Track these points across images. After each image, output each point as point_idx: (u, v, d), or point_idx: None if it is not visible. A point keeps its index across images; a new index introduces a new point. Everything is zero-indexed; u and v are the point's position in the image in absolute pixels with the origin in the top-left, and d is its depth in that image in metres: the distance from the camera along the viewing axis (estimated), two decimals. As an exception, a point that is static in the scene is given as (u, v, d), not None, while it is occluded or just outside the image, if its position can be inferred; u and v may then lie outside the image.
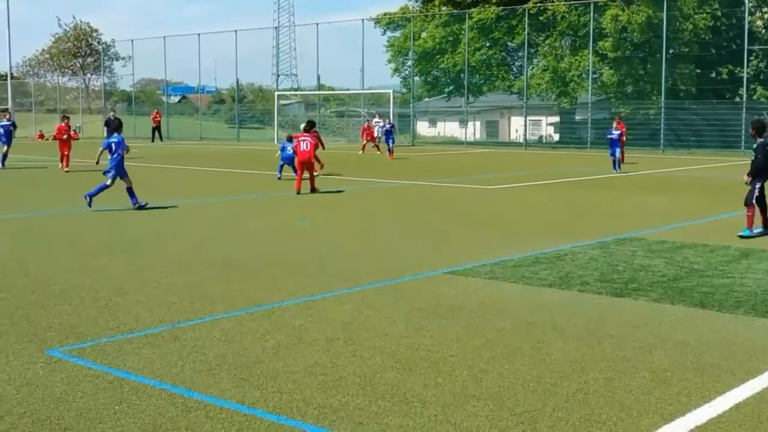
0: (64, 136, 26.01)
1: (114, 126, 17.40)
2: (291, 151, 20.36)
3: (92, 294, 8.34)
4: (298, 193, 18.18)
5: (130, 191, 15.28)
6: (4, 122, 28.20)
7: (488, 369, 5.96)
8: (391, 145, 33.99)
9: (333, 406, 5.20)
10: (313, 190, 18.48)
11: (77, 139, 56.86)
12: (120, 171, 15.27)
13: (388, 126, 35.37)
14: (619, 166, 24.97)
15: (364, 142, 38.43)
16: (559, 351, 6.42)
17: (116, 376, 5.76)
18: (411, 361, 6.13)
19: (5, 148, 27.80)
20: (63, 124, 26.49)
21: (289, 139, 20.98)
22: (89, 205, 15.03)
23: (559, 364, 6.08)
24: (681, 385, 5.63)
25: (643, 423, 4.95)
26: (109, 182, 15.31)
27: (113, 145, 15.46)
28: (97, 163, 16.84)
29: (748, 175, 12.49)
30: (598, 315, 7.55)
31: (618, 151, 24.95)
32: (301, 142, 18.61)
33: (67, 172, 24.93)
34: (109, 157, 15.41)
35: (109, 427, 4.83)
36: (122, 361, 6.11)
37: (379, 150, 36.35)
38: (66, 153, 25.71)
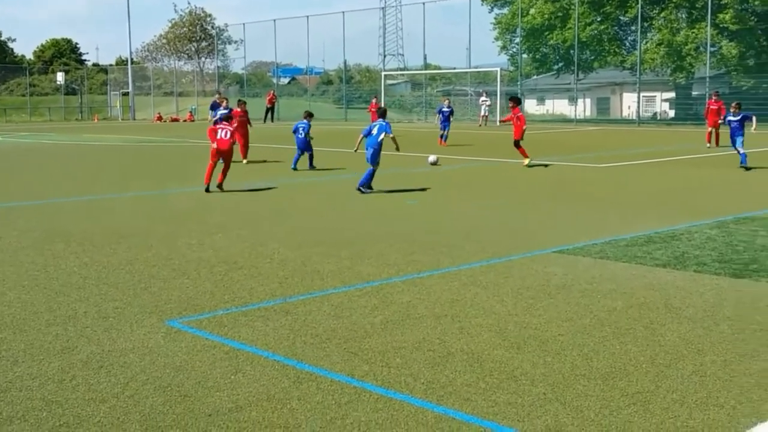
0: (235, 124, 20.78)
1: (380, 113, 15.69)
2: (302, 135, 19.42)
3: (209, 268, 8.64)
4: (207, 189, 15.32)
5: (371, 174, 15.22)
6: (221, 110, 22.37)
7: (599, 349, 5.86)
8: (446, 131, 28.55)
9: (441, 381, 5.23)
10: (221, 185, 15.46)
11: (193, 120, 58.91)
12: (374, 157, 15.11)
13: (447, 110, 28.95)
14: (746, 160, 18.71)
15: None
16: (673, 332, 6.25)
17: (232, 347, 5.96)
18: (519, 339, 6.09)
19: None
20: (239, 108, 22.02)
21: (309, 116, 19.87)
22: (364, 191, 14.99)
23: (673, 346, 5.92)
24: (805, 370, 5.39)
25: (764, 408, 4.77)
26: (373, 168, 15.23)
27: (376, 129, 15.12)
28: (356, 150, 16.53)
29: None
30: (716, 296, 7.30)
31: (742, 140, 18.88)
32: (220, 130, 15.71)
33: (247, 162, 21.54)
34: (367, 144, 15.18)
35: (226, 396, 5.00)
36: (237, 332, 6.31)
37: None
38: (242, 142, 21.44)
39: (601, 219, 11.86)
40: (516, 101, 20.71)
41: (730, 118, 19.34)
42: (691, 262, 8.64)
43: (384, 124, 15.33)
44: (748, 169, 18.33)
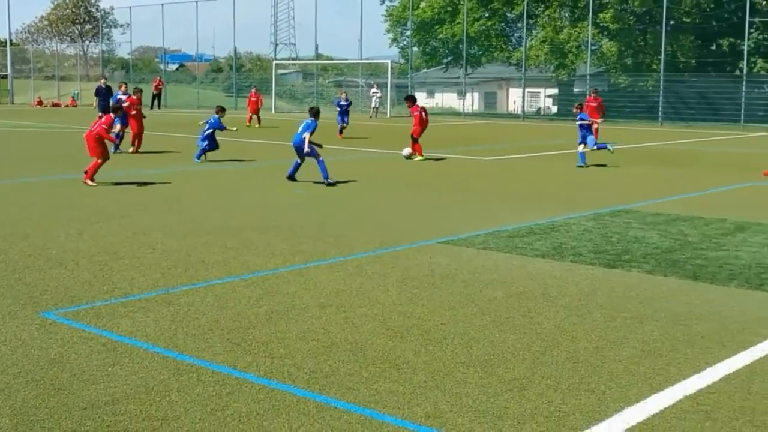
0: (133, 112, 20.64)
1: (312, 111, 15.10)
2: (206, 127, 18.57)
3: (88, 258, 8.37)
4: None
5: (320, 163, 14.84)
6: (120, 95, 21.76)
7: (479, 337, 6.01)
8: (344, 124, 27.69)
9: (324, 371, 5.24)
10: (87, 176, 14.32)
11: (75, 106, 56.78)
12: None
13: (345, 103, 28.44)
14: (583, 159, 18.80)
15: (250, 114, 34.15)
16: (549, 320, 6.47)
17: (110, 338, 5.80)
18: (402, 329, 6.18)
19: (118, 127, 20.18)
20: (135, 96, 21.29)
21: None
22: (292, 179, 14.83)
23: (549, 333, 6.13)
24: (671, 356, 5.67)
25: (632, 392, 4.99)
26: (300, 161, 14.95)
27: (301, 127, 14.83)
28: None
29: None
30: (590, 286, 7.59)
31: (591, 137, 19.06)
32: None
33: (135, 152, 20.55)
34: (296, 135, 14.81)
35: (102, 389, 4.87)
36: (116, 324, 6.15)
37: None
38: (138, 131, 20.72)
39: (486, 211, 12.13)
40: (412, 100, 20.23)
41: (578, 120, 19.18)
42: (569, 253, 8.96)
43: (310, 121, 14.88)
44: (600, 165, 18.73)
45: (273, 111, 48.94)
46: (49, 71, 69.49)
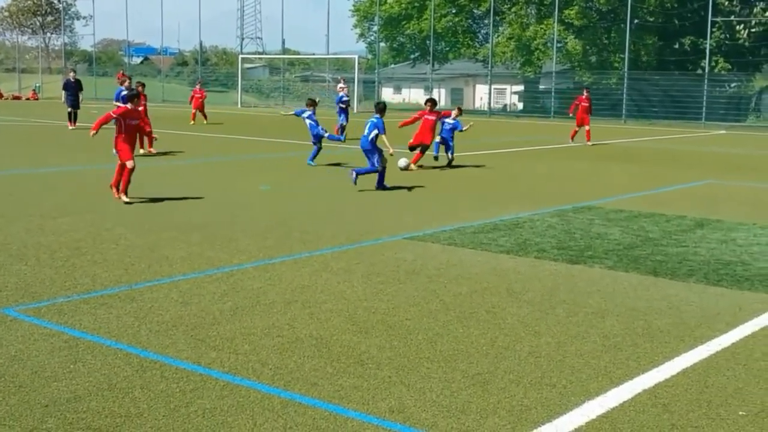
0: (140, 107, 19.83)
1: (378, 108, 14.06)
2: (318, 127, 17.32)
3: (49, 254, 8.28)
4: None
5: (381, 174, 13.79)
6: (124, 91, 18.64)
7: (443, 332, 6.06)
8: (344, 123, 24.73)
9: (289, 367, 5.25)
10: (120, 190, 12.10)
11: (36, 99, 55.97)
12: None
13: (347, 98, 26.01)
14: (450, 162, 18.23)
15: (194, 110, 31.75)
16: (513, 315, 6.53)
17: (72, 335, 5.75)
18: (368, 324, 6.20)
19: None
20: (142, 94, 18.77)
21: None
22: (354, 182, 13.49)
23: (512, 328, 6.19)
24: (630, 350, 5.77)
25: (592, 386, 5.07)
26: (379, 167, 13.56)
27: (367, 128, 13.65)
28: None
29: None
30: (553, 281, 7.68)
31: (439, 142, 18.34)
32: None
33: (151, 154, 18.91)
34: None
35: (64, 386, 4.83)
36: (78, 320, 6.10)
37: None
38: (148, 130, 18.18)
39: (452, 207, 12.20)
40: (433, 102, 18.72)
41: (448, 120, 18.35)
42: (533, 249, 9.05)
43: (376, 120, 13.66)
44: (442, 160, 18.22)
45: (239, 105, 48.68)
46: (10, 63, 68.50)
